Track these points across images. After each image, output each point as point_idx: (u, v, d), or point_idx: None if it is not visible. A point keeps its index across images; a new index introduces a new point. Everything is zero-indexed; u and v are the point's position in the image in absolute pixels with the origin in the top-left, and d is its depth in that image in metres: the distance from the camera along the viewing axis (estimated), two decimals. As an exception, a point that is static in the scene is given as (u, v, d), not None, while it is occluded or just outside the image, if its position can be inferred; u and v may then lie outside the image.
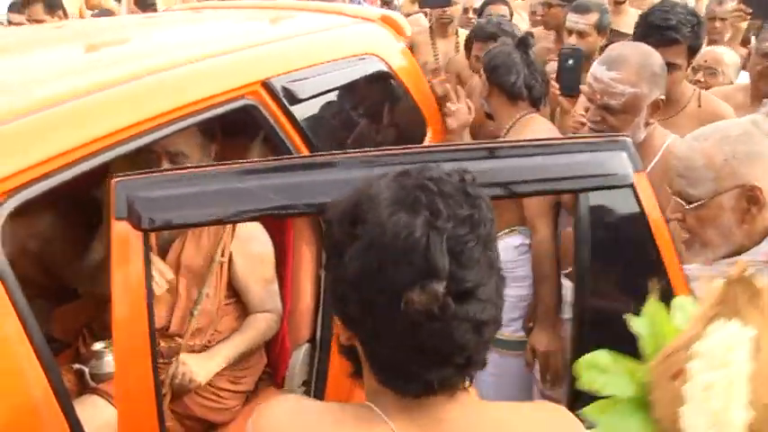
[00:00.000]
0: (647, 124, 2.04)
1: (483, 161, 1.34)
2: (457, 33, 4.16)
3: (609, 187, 1.38)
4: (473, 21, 4.22)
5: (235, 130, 2.48)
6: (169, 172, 1.29)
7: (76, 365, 2.10)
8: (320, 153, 1.32)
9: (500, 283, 0.98)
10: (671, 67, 2.26)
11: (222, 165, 1.31)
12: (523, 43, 2.61)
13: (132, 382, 1.27)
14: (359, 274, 0.89)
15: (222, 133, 2.48)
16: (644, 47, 2.15)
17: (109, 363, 2.11)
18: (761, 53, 2.75)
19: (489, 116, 2.71)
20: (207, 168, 1.30)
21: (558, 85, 2.73)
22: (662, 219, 1.47)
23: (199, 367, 2.08)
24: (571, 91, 2.62)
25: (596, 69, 2.03)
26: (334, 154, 1.36)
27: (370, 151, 1.34)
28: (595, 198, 1.40)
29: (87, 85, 1.61)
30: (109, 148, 1.54)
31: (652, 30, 2.35)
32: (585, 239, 1.38)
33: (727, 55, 3.24)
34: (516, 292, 2.54)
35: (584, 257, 1.42)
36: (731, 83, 3.15)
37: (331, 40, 2.61)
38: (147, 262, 1.24)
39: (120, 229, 1.25)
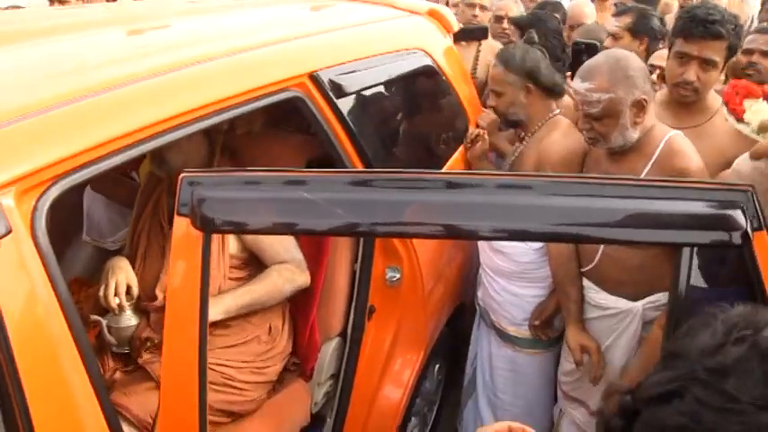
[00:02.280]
0: (635, 124, 2.10)
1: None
2: (480, 42, 4.00)
3: (720, 245, 1.21)
4: (507, 31, 3.92)
5: (280, 121, 2.48)
6: (238, 173, 1.24)
7: (94, 317, 2.09)
8: (402, 170, 1.19)
9: None
10: (708, 64, 2.28)
11: (294, 172, 1.25)
12: (531, 41, 2.63)
13: (179, 377, 1.26)
14: None
15: (267, 124, 2.48)
16: (617, 52, 2.23)
17: (127, 317, 2.12)
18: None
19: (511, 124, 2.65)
20: (276, 174, 1.23)
21: (570, 73, 2.71)
22: None
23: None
24: None
25: (575, 82, 2.17)
26: (415, 173, 1.23)
27: (457, 173, 1.26)
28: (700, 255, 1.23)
29: (131, 73, 1.60)
30: (154, 136, 1.53)
31: (695, 23, 2.29)
32: (680, 297, 1.22)
33: None
34: (535, 292, 2.56)
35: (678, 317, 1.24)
36: None
37: (380, 33, 2.59)
38: (205, 261, 1.22)
39: (181, 225, 1.23)
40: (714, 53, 2.29)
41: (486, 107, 2.84)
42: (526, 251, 2.49)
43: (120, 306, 2.09)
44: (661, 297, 2.19)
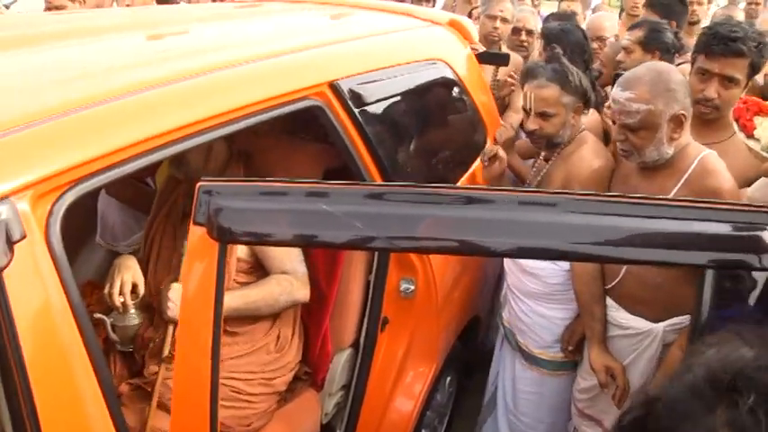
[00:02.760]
0: (671, 140, 2.06)
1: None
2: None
3: (746, 267, 1.23)
4: (525, 44, 3.91)
5: (298, 129, 2.47)
6: (256, 183, 1.22)
7: (97, 315, 2.08)
8: (423, 185, 1.16)
9: None
10: (730, 81, 2.27)
11: (312, 183, 1.23)
12: (557, 57, 2.50)
13: (190, 391, 1.25)
14: None
15: (286, 132, 2.47)
16: (660, 65, 2.21)
17: (131, 316, 2.11)
18: None
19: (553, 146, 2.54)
20: (294, 185, 1.20)
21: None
22: None
23: (174, 305, 2.02)
24: None
25: (614, 91, 2.12)
26: (442, 187, 1.19)
27: (482, 189, 1.23)
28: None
29: (150, 78, 1.59)
30: (171, 143, 1.52)
31: (717, 40, 2.28)
32: (702, 319, 1.19)
33: None
34: (564, 314, 2.52)
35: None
36: None
37: (400, 43, 2.57)
38: (221, 272, 1.20)
39: (197, 234, 1.22)
40: (735, 71, 2.27)
41: (524, 128, 2.72)
42: (557, 272, 2.44)
43: (125, 305, 2.08)
44: (684, 320, 2.15)
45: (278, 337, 2.25)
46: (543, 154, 2.57)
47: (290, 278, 2.18)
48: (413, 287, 2.33)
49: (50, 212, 1.27)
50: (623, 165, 2.32)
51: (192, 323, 1.22)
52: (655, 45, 3.10)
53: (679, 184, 2.07)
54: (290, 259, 2.18)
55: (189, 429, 1.29)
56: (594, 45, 3.70)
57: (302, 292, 2.21)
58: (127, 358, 2.20)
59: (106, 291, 2.08)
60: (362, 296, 2.38)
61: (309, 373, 2.39)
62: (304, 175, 2.38)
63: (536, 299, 2.52)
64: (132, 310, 2.10)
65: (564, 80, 2.39)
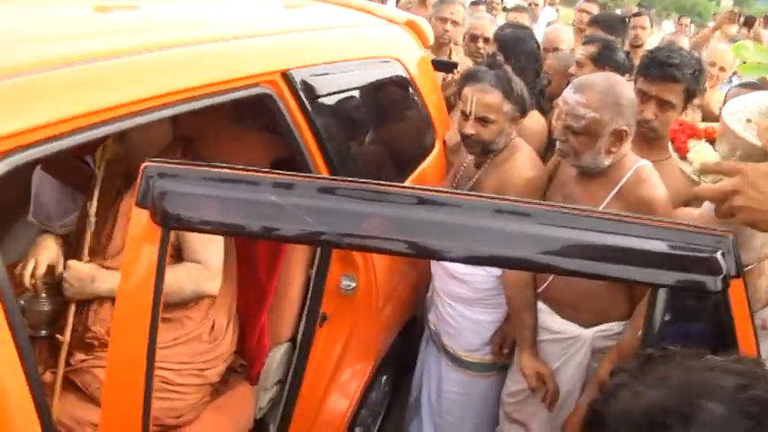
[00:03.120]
0: (608, 152, 2.10)
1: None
2: (450, 55, 3.95)
3: (697, 289, 1.17)
4: (482, 51, 3.86)
5: (246, 116, 2.42)
6: (205, 168, 1.17)
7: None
8: (378, 182, 1.13)
9: None
10: (666, 105, 2.36)
11: (265, 173, 1.19)
12: (498, 64, 2.48)
13: (123, 379, 1.20)
14: None
15: (237, 120, 2.42)
16: (616, 78, 2.24)
17: (42, 301, 2.04)
18: None
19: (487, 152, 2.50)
20: (246, 173, 1.17)
21: None
22: (751, 330, 1.22)
23: (77, 281, 1.98)
24: None
25: (566, 91, 2.15)
26: (392, 185, 1.16)
27: (443, 191, 1.20)
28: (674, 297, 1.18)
29: (96, 50, 1.52)
30: (113, 120, 1.46)
31: (654, 65, 2.39)
32: (651, 338, 1.18)
33: None
34: (494, 317, 2.53)
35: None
36: None
37: (356, 39, 2.56)
38: (162, 258, 1.15)
39: (140, 217, 1.16)
40: (671, 95, 2.37)
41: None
42: (486, 278, 2.44)
43: (35, 287, 2.00)
44: (613, 326, 2.20)
45: (212, 327, 2.19)
46: (473, 159, 2.55)
47: (200, 268, 2.10)
48: (354, 284, 2.31)
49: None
50: (561, 172, 2.37)
51: (129, 309, 1.17)
52: (606, 62, 3.17)
53: (612, 193, 2.11)
54: (206, 249, 2.11)
55: (120, 421, 1.23)
56: (550, 56, 3.75)
57: (210, 284, 2.12)
58: (53, 345, 2.10)
59: (17, 271, 1.99)
60: (302, 291, 2.36)
61: (245, 366, 2.35)
62: (250, 164, 2.32)
63: (464, 303, 2.51)
64: (44, 294, 2.02)
65: (507, 88, 2.37)
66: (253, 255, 2.33)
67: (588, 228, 1.12)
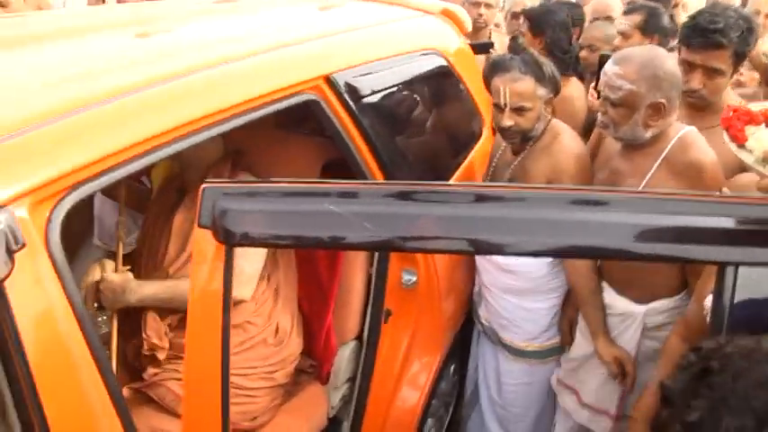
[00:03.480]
0: (646, 125, 2.06)
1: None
2: (489, 38, 3.88)
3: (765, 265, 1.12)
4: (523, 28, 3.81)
5: (295, 123, 2.45)
6: (262, 185, 1.19)
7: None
8: (435, 183, 1.18)
9: None
10: (713, 73, 2.24)
11: (318, 183, 1.21)
12: (520, 48, 2.42)
13: (200, 399, 1.24)
14: None
15: (284, 127, 2.45)
16: (657, 50, 2.18)
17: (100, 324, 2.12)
18: None
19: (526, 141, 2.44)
20: (301, 185, 1.19)
21: (596, 94, 2.64)
22: None
23: (110, 292, 2.02)
24: None
25: (608, 64, 2.13)
26: (456, 185, 1.19)
27: (497, 186, 1.20)
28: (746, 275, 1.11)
29: (144, 78, 1.57)
30: (167, 144, 1.51)
31: (696, 33, 2.25)
32: (721, 319, 1.13)
33: None
34: (550, 303, 2.51)
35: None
36: None
37: (394, 34, 2.55)
38: (228, 276, 1.18)
39: (203, 237, 1.20)
40: (718, 62, 2.23)
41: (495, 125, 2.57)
42: (539, 267, 2.41)
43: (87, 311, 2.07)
44: (665, 303, 2.17)
45: (276, 330, 2.24)
46: (511, 147, 2.49)
47: None
48: (414, 278, 2.33)
49: (49, 219, 1.26)
50: (605, 147, 2.34)
51: (200, 329, 1.21)
52: (654, 30, 3.08)
53: (658, 161, 2.08)
54: (241, 254, 2.12)
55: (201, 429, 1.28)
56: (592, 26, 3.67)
57: (240, 290, 2.12)
58: (130, 372, 2.18)
59: None
60: (365, 289, 2.38)
61: (315, 367, 2.39)
62: (302, 170, 2.37)
63: (517, 294, 2.48)
64: (100, 318, 2.08)
65: (538, 71, 2.30)
66: (313, 256, 2.36)
67: (650, 210, 1.11)
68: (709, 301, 1.87)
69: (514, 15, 3.88)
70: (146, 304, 2.08)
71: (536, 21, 3.25)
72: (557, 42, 3.22)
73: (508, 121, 2.31)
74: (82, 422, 1.27)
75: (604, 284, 2.30)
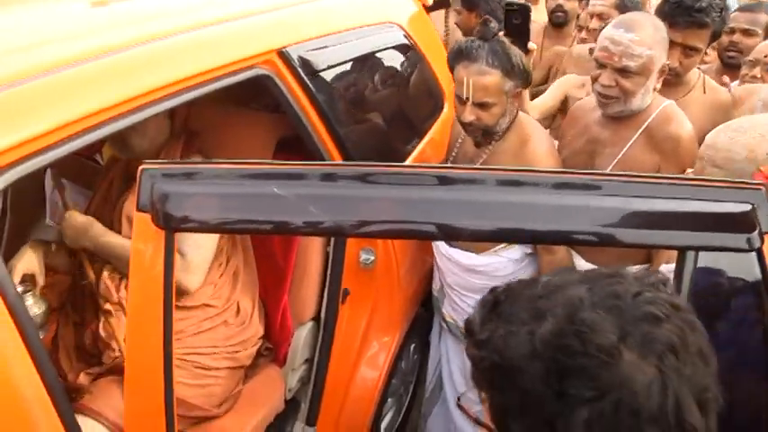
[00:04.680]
0: (654, 89, 2.08)
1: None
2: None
3: (726, 249, 1.09)
4: None
5: (248, 99, 2.37)
6: (204, 166, 1.12)
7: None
8: (375, 164, 1.12)
9: None
10: (691, 51, 2.31)
11: (263, 164, 1.14)
12: (491, 33, 2.22)
13: (142, 394, 1.18)
14: None
15: (237, 103, 2.37)
16: (650, 15, 2.23)
17: (30, 306, 1.97)
18: None
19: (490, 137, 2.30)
20: (245, 167, 1.12)
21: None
22: None
23: (72, 230, 2.03)
24: (522, 48, 2.38)
25: (613, 33, 2.04)
26: (398, 166, 1.12)
27: (443, 167, 1.15)
28: (705, 259, 1.11)
29: (86, 50, 1.48)
30: (112, 120, 1.43)
31: (680, 12, 2.30)
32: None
33: None
34: None
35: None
36: None
37: (350, 7, 2.48)
38: (168, 262, 1.12)
39: (142, 222, 1.14)
40: (697, 41, 2.31)
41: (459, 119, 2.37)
42: (505, 265, 2.33)
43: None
44: (632, 270, 2.15)
45: (237, 311, 2.19)
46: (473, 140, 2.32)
47: (179, 260, 2.03)
48: (373, 257, 2.29)
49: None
50: (580, 115, 2.30)
51: (140, 315, 1.15)
52: (632, 7, 3.08)
53: (639, 131, 2.09)
54: (190, 243, 2.05)
55: (144, 417, 1.22)
56: None
57: (188, 278, 2.05)
58: (85, 358, 2.10)
59: None
60: (322, 268, 2.34)
61: (271, 349, 2.35)
62: (257, 147, 2.30)
63: (483, 293, 2.42)
64: (30, 300, 1.97)
65: (506, 64, 2.11)
66: (267, 237, 2.30)
67: (608, 193, 1.07)
68: (664, 267, 1.88)
69: None
70: (102, 252, 2.03)
71: None
72: (492, 14, 3.16)
73: (469, 116, 2.15)
74: (13, 413, 1.20)
75: (573, 253, 2.28)
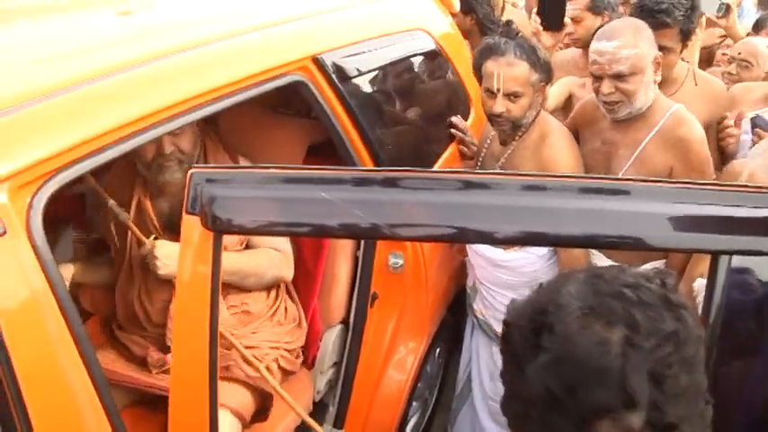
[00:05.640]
0: (654, 82, 2.14)
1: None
2: (502, 12, 3.92)
3: (759, 254, 1.12)
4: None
5: (280, 104, 2.41)
6: (250, 170, 1.15)
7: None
8: (423, 170, 1.16)
9: (707, 413, 0.82)
10: (664, 50, 2.32)
11: (308, 170, 1.16)
12: (514, 33, 2.34)
13: (188, 390, 1.21)
14: (541, 393, 0.78)
15: (270, 108, 2.40)
16: (627, 18, 2.32)
17: None
18: None
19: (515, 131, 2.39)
20: (290, 172, 1.16)
21: (539, 20, 2.61)
22: None
23: (170, 259, 1.93)
24: (555, 25, 2.45)
25: (597, 45, 2.13)
26: (438, 172, 1.16)
27: (495, 173, 1.17)
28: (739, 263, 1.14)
29: (126, 59, 1.52)
30: (152, 126, 1.46)
31: (644, 14, 2.38)
32: (717, 311, 1.13)
33: (761, 46, 3.12)
34: None
35: (713, 335, 1.12)
36: (766, 74, 3.06)
37: (381, 14, 2.50)
38: (216, 263, 1.15)
39: (191, 224, 1.17)
40: (666, 40, 2.37)
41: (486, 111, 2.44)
42: (533, 261, 2.36)
43: None
44: (657, 265, 2.16)
45: (285, 311, 2.28)
46: (496, 134, 2.42)
47: (280, 255, 2.16)
48: (401, 261, 2.30)
49: (30, 205, 1.22)
50: (594, 118, 2.33)
51: (188, 316, 1.18)
52: (603, 7, 3.08)
53: (652, 133, 2.14)
54: (280, 240, 2.15)
55: (189, 423, 1.25)
56: None
57: (288, 271, 2.20)
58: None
59: None
60: (351, 272, 2.36)
61: (300, 351, 2.37)
62: (288, 152, 2.33)
63: (512, 289, 2.40)
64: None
65: (533, 57, 2.22)
66: (298, 240, 2.33)
67: (636, 197, 1.09)
68: (697, 283, 1.88)
69: None
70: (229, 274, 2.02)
71: (463, 0, 3.34)
72: (487, 16, 3.44)
73: (500, 107, 2.22)
74: (62, 407, 1.23)
75: (593, 252, 2.29)
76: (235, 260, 2.05)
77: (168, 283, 1.99)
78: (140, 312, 2.15)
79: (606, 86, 2.12)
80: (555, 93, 2.81)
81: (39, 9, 2.02)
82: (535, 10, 2.62)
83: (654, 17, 2.34)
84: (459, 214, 1.13)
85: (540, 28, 2.51)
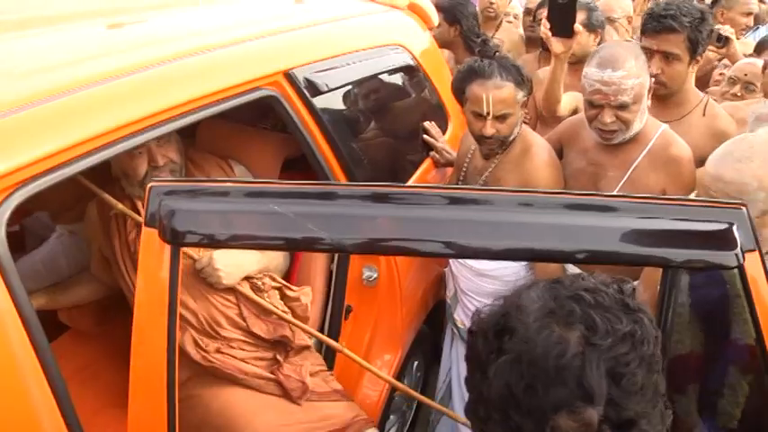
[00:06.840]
0: (647, 109, 2.16)
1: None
2: (497, 29, 4.02)
3: (710, 267, 1.13)
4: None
5: (256, 118, 2.42)
6: (209, 184, 1.17)
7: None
8: (374, 183, 1.19)
9: (667, 416, 0.85)
10: (669, 57, 2.35)
11: (266, 183, 1.19)
12: (492, 51, 2.39)
13: (146, 399, 1.22)
14: (503, 393, 0.81)
15: (248, 122, 2.41)
16: (623, 43, 2.34)
17: None
18: None
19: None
20: (248, 185, 1.18)
21: (548, 26, 2.65)
22: None
23: (234, 267, 1.98)
24: (564, 32, 2.47)
25: (602, 75, 2.09)
26: (397, 186, 1.19)
27: (439, 187, 1.21)
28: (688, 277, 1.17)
29: (96, 73, 1.55)
30: (121, 139, 1.48)
31: (651, 20, 2.40)
32: (668, 321, 1.17)
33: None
34: None
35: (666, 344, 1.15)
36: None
37: (357, 29, 2.53)
38: (174, 276, 1.17)
39: (149, 237, 1.18)
40: (672, 46, 2.36)
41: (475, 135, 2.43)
42: (515, 270, 2.38)
43: None
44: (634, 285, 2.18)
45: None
46: (477, 148, 2.42)
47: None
48: (375, 275, 2.32)
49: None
50: (579, 138, 2.34)
51: (145, 329, 1.19)
52: (598, 25, 3.12)
53: (642, 154, 2.15)
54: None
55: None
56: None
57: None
58: None
59: None
60: (325, 286, 2.37)
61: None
62: (264, 165, 2.35)
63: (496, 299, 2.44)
64: None
65: (517, 76, 2.25)
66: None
67: (589, 210, 1.12)
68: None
69: (527, 11, 3.93)
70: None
71: (449, 11, 3.49)
72: (472, 29, 3.52)
73: (491, 130, 2.25)
74: (22, 419, 1.24)
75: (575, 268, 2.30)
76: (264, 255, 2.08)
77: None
78: None
79: (608, 116, 2.11)
80: (566, 102, 2.83)
81: (10, 24, 2.03)
82: (545, 15, 2.64)
83: (659, 21, 2.35)
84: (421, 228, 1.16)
85: (549, 34, 2.51)
